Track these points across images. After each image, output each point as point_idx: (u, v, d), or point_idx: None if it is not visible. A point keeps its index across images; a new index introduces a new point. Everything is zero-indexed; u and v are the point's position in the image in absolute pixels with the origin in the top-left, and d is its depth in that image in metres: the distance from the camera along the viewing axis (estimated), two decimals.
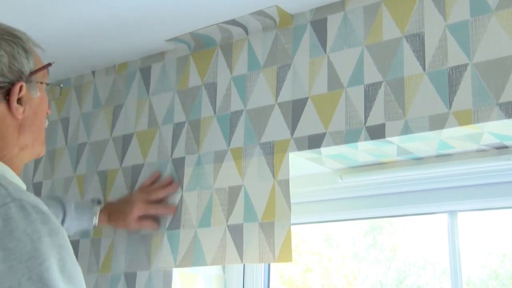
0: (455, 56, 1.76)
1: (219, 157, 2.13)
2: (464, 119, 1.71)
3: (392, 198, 2.10)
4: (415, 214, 2.11)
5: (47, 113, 1.39)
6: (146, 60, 2.44)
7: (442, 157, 1.97)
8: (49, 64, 1.36)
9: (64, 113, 2.63)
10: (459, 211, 1.99)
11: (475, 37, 1.74)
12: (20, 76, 1.28)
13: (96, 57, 2.46)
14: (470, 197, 1.97)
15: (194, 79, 2.28)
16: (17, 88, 1.27)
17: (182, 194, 2.19)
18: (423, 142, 1.86)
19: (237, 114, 2.14)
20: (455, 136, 1.80)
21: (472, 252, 2.00)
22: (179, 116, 2.28)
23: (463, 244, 1.97)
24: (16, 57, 1.29)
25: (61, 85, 1.47)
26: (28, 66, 1.30)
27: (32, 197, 1.10)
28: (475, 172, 1.94)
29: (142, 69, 2.44)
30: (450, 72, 1.76)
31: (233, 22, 2.14)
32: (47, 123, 1.39)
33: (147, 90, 2.40)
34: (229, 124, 2.15)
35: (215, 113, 2.19)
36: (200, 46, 2.29)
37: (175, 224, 2.17)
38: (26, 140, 1.29)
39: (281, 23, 2.11)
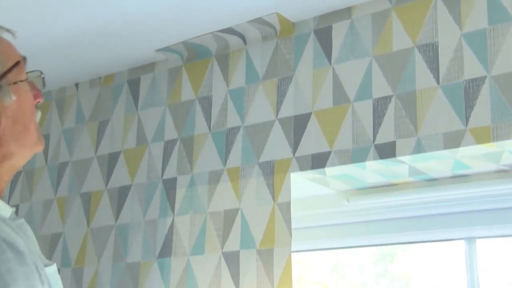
0: (472, 68, 1.77)
1: (214, 178, 2.14)
2: (482, 136, 1.72)
3: (403, 223, 2.10)
4: (430, 240, 2.11)
5: (37, 103, 1.33)
6: (135, 72, 2.45)
7: (458, 178, 1.98)
8: (18, 63, 1.28)
9: (44, 129, 2.64)
10: (478, 237, 1.99)
11: (493, 48, 1.75)
12: None
13: (79, 68, 2.47)
14: (489, 223, 1.97)
15: (187, 93, 2.29)
16: None
17: (173, 218, 2.19)
18: (437, 162, 1.87)
19: (234, 130, 2.15)
20: (472, 155, 1.81)
21: (492, 282, 1.99)
22: (171, 132, 2.29)
23: (482, 274, 1.97)
24: None
25: (42, 75, 1.39)
26: None
27: (5, 230, 1.09)
28: (495, 195, 1.94)
29: (130, 81, 2.45)
30: (467, 85, 1.77)
31: (230, 31, 2.15)
32: (38, 115, 1.34)
33: (136, 104, 2.41)
34: (225, 141, 2.16)
35: (210, 129, 2.20)
36: (194, 56, 2.30)
37: (166, 252, 2.17)
38: (9, 149, 1.26)
39: (282, 32, 2.12)
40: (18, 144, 1.28)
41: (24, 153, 1.30)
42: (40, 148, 1.34)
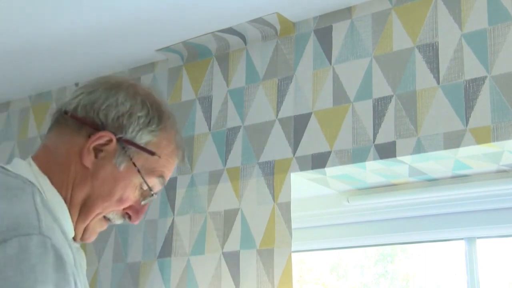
0: (472, 68, 1.77)
1: (214, 178, 2.14)
2: (482, 136, 1.72)
3: (403, 223, 2.10)
4: (430, 241, 2.11)
5: (126, 212, 1.28)
6: (135, 71, 2.45)
7: (458, 178, 1.98)
8: (153, 153, 1.25)
9: (45, 129, 2.63)
10: (478, 237, 2.00)
11: (493, 48, 1.75)
12: (116, 131, 1.23)
13: (80, 68, 2.47)
14: (489, 223, 1.97)
15: (187, 92, 2.29)
16: (104, 135, 1.22)
17: (173, 218, 2.19)
18: (437, 162, 1.87)
19: (234, 130, 2.15)
20: (472, 155, 1.81)
21: (492, 282, 1.99)
22: None
23: (482, 274, 1.97)
24: (132, 115, 1.24)
25: (155, 195, 1.32)
26: (134, 133, 1.24)
27: (60, 241, 1.09)
28: (495, 195, 1.94)
29: None
30: (467, 85, 1.77)
31: (230, 31, 2.15)
32: (115, 219, 1.29)
33: None
34: (225, 141, 2.16)
35: (210, 129, 2.20)
36: (194, 56, 2.30)
37: (166, 252, 2.17)
38: (78, 197, 1.23)
39: (282, 32, 2.12)
40: (85, 199, 1.25)
41: (81, 217, 1.26)
42: (87, 239, 1.30)
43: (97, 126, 1.24)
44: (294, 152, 2.00)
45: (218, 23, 2.11)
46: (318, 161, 1.95)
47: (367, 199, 2.11)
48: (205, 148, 2.19)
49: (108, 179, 1.25)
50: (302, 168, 1.98)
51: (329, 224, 2.23)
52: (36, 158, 1.26)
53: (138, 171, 1.26)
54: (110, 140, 1.24)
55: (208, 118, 2.22)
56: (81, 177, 1.24)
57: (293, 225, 1.98)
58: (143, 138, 1.26)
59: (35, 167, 1.23)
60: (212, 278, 2.04)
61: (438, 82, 1.81)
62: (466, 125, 1.74)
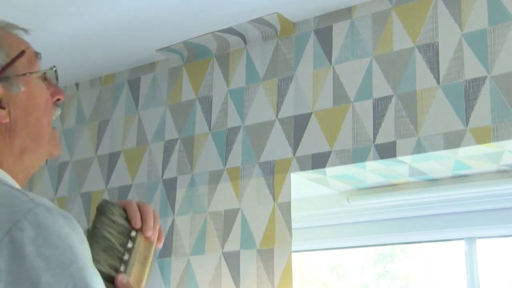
0: (472, 68, 1.77)
1: (214, 178, 2.14)
2: (482, 136, 1.72)
3: (403, 223, 2.10)
4: (430, 240, 2.12)
5: (56, 101, 1.33)
6: (135, 71, 2.45)
7: (459, 178, 1.98)
8: (23, 52, 1.28)
9: None
10: (478, 237, 2.00)
11: (493, 48, 1.75)
12: None
13: (80, 67, 2.47)
14: (489, 223, 1.97)
15: (187, 92, 2.29)
16: None
17: (173, 218, 2.19)
18: (437, 162, 1.87)
19: (234, 130, 2.15)
20: (472, 156, 1.81)
21: (492, 282, 1.99)
22: (171, 132, 2.29)
23: (483, 274, 1.97)
24: None
25: (55, 68, 1.38)
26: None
27: (50, 202, 1.11)
28: (495, 195, 1.95)
29: (131, 81, 2.46)
30: (467, 85, 1.77)
31: (230, 31, 2.15)
32: (56, 113, 1.33)
33: (136, 104, 2.41)
34: (226, 141, 2.16)
35: (210, 129, 2.20)
36: (194, 56, 2.30)
37: (166, 252, 2.17)
38: (22, 144, 1.25)
39: (282, 32, 2.12)
40: (31, 137, 1.26)
41: (38, 150, 1.29)
42: (55, 151, 1.33)
43: None
44: (294, 152, 2.00)
45: (218, 23, 2.11)
46: (318, 161, 1.95)
47: (367, 199, 2.11)
48: (205, 148, 2.19)
49: (26, 106, 1.26)
50: (302, 168, 1.98)
51: (329, 224, 2.23)
52: None
53: (29, 74, 1.28)
54: None
55: (208, 118, 2.21)
56: (11, 132, 1.25)
57: (293, 225, 1.98)
58: (3, 57, 1.26)
59: None
60: (212, 278, 2.04)
61: (438, 82, 1.81)
62: (466, 125, 1.74)
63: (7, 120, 1.23)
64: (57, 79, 1.36)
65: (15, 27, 1.34)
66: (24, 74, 1.27)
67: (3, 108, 1.23)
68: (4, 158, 1.24)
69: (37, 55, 1.33)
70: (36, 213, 1.03)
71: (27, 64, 1.29)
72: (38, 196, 1.10)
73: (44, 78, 1.31)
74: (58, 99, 1.33)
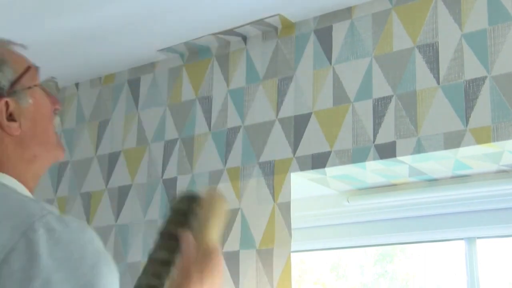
0: (472, 68, 1.77)
1: (214, 178, 2.14)
2: (482, 137, 1.71)
3: (403, 223, 2.10)
4: (430, 241, 2.11)
5: (55, 110, 1.39)
6: (135, 71, 2.45)
7: (459, 179, 1.98)
8: (28, 68, 1.37)
9: None
10: (478, 237, 1.99)
11: (493, 48, 1.75)
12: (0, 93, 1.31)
13: (80, 67, 2.47)
14: (489, 223, 1.97)
15: (187, 92, 2.29)
16: (0, 106, 1.29)
17: None
18: (437, 162, 1.87)
19: (234, 130, 2.15)
20: (472, 156, 1.81)
21: (492, 282, 1.99)
22: (171, 132, 2.29)
23: (483, 274, 1.97)
24: None
25: (55, 78, 1.47)
26: (5, 78, 1.32)
27: (57, 211, 1.18)
28: (495, 195, 1.94)
29: (131, 81, 2.45)
30: (467, 85, 1.77)
31: (231, 33, 2.15)
32: (57, 120, 1.40)
33: (136, 104, 2.41)
34: (226, 141, 2.15)
35: (210, 129, 2.20)
36: (194, 56, 2.30)
37: None
38: (33, 152, 1.33)
39: (283, 32, 2.12)
40: (40, 146, 1.34)
41: (46, 156, 1.36)
42: (60, 154, 1.40)
43: None
44: (294, 152, 2.00)
45: (218, 23, 2.11)
46: (318, 161, 1.95)
47: (367, 199, 2.11)
48: (205, 148, 2.19)
49: (34, 117, 1.34)
50: (302, 168, 1.97)
51: (329, 224, 2.23)
52: None
53: (34, 86, 1.36)
54: (6, 102, 1.30)
55: (208, 118, 2.21)
56: (22, 142, 1.32)
57: (293, 225, 1.98)
58: (11, 73, 1.34)
59: None
60: None
61: (438, 82, 1.81)
62: (466, 125, 1.74)
63: (19, 132, 1.31)
64: (58, 90, 1.45)
65: (14, 43, 1.43)
66: (30, 87, 1.35)
67: (14, 121, 1.31)
68: (16, 168, 1.31)
69: (37, 68, 1.42)
70: (48, 219, 1.10)
71: (30, 78, 1.37)
72: (48, 204, 1.18)
73: (43, 89, 1.40)
74: (56, 108, 1.41)
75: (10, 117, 1.31)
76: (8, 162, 1.30)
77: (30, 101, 1.34)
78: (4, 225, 1.09)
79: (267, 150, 2.06)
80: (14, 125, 1.30)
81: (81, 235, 1.12)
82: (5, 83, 1.32)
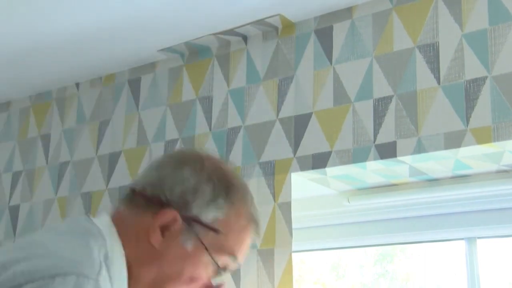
0: (473, 68, 1.77)
1: None
2: (483, 137, 1.71)
3: (404, 223, 2.10)
4: (430, 241, 2.11)
5: (201, 285, 1.21)
6: (136, 71, 2.45)
7: (459, 179, 1.98)
8: (218, 231, 1.18)
9: (45, 129, 2.64)
10: (478, 237, 1.99)
11: (494, 48, 1.75)
12: (181, 208, 1.18)
13: (80, 67, 2.47)
14: (489, 223, 1.97)
15: (187, 92, 2.29)
16: (170, 213, 1.18)
17: None
18: (437, 162, 1.87)
19: (234, 130, 2.15)
20: (472, 156, 1.81)
21: (492, 282, 1.99)
22: (171, 132, 2.29)
23: (483, 274, 1.97)
24: (198, 190, 1.19)
25: (222, 271, 1.26)
26: (199, 209, 1.19)
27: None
28: (495, 195, 1.94)
29: (131, 81, 2.45)
30: (467, 85, 1.77)
31: (231, 33, 2.15)
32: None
33: (136, 104, 2.41)
34: (226, 141, 2.15)
35: (210, 129, 2.20)
36: (195, 56, 2.30)
37: None
38: (153, 274, 1.18)
39: (283, 32, 2.12)
40: (159, 279, 1.21)
41: None
42: None
43: (163, 204, 1.20)
44: (295, 152, 2.00)
45: (219, 23, 2.11)
46: (319, 161, 1.95)
47: (367, 199, 2.11)
48: (205, 148, 2.19)
49: (176, 259, 1.20)
50: (303, 168, 1.97)
51: (329, 224, 2.23)
52: (115, 221, 1.23)
53: (206, 249, 1.20)
54: (175, 218, 1.19)
55: (208, 118, 2.21)
56: (148, 256, 1.20)
57: (294, 225, 1.98)
58: (209, 215, 1.21)
59: (114, 230, 1.21)
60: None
61: (439, 82, 1.81)
62: (467, 125, 1.74)
63: (157, 244, 1.19)
64: (222, 274, 1.26)
65: (257, 232, 1.29)
66: (202, 244, 1.20)
67: (163, 235, 1.19)
68: (130, 257, 1.19)
69: (235, 261, 1.25)
70: (88, 282, 1.03)
71: (216, 246, 1.21)
72: (106, 280, 1.08)
73: (216, 271, 1.24)
74: (204, 285, 1.24)
75: (163, 230, 1.19)
76: (130, 246, 1.19)
77: (189, 248, 1.19)
78: (49, 261, 1.03)
79: (267, 150, 2.06)
80: (158, 236, 1.19)
81: None
82: (194, 211, 1.20)
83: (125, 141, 2.40)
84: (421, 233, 2.09)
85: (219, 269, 1.23)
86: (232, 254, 1.23)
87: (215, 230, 1.20)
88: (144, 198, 1.23)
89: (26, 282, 1.00)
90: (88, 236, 1.14)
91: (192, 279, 1.21)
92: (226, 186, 1.24)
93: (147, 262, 1.20)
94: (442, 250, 2.15)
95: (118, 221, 1.23)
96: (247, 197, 1.28)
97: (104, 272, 1.10)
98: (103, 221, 1.22)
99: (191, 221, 1.20)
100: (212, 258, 1.21)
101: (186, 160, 1.26)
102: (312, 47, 2.06)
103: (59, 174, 2.53)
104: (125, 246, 1.19)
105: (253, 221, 1.27)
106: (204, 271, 1.22)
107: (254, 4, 1.99)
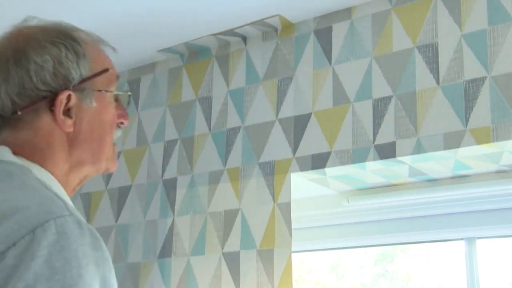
0: (472, 68, 1.77)
1: (214, 178, 2.14)
2: (482, 137, 1.71)
3: (403, 224, 2.10)
4: (430, 241, 2.11)
5: (119, 124, 1.33)
6: (135, 72, 2.45)
7: (458, 179, 1.98)
8: (106, 70, 1.30)
9: None
10: (478, 238, 1.99)
11: (493, 48, 1.75)
12: (66, 84, 1.23)
13: None
14: (489, 223, 1.97)
15: (187, 93, 2.29)
16: (62, 97, 1.23)
17: (173, 219, 2.19)
18: (437, 162, 1.87)
19: (234, 131, 2.15)
20: (472, 156, 1.81)
21: (492, 282, 1.99)
22: (171, 133, 2.29)
23: (482, 274, 1.97)
24: (62, 62, 1.24)
25: (130, 93, 1.40)
26: (77, 72, 1.25)
27: (83, 219, 1.11)
28: (495, 195, 1.94)
29: (131, 81, 2.45)
30: (466, 85, 1.77)
31: (231, 33, 2.15)
32: (118, 134, 1.33)
33: (136, 104, 2.41)
34: (225, 142, 2.16)
35: (210, 129, 2.20)
36: (194, 56, 2.30)
37: (166, 252, 2.17)
38: (81, 157, 1.26)
39: (282, 32, 2.12)
40: (90, 153, 1.28)
41: (93, 165, 1.30)
42: (111, 167, 1.33)
43: (48, 97, 1.24)
44: (294, 152, 2.00)
45: (219, 24, 2.11)
46: (318, 162, 1.95)
47: (367, 199, 2.11)
48: (205, 149, 2.19)
49: (94, 120, 1.27)
50: (302, 168, 1.97)
51: (329, 225, 2.23)
52: (15, 150, 1.24)
53: (105, 91, 1.29)
54: (68, 95, 1.24)
55: (208, 118, 2.21)
56: (72, 145, 1.26)
57: (293, 226, 1.98)
58: (86, 69, 1.27)
59: (26, 161, 1.22)
60: (212, 279, 2.04)
61: (438, 83, 1.81)
62: (466, 125, 1.74)
63: (71, 130, 1.24)
64: (128, 103, 1.38)
65: (105, 43, 1.38)
66: (100, 91, 1.28)
67: (70, 117, 1.24)
68: (57, 165, 1.24)
69: (117, 77, 1.36)
70: (66, 221, 1.04)
71: (106, 82, 1.30)
72: (75, 209, 1.11)
73: (116, 99, 1.33)
74: (121, 122, 1.34)
75: (67, 112, 1.24)
76: (51, 157, 1.23)
77: (95, 104, 1.26)
78: (18, 217, 1.03)
79: (267, 150, 2.06)
80: (68, 121, 1.23)
81: (89, 253, 1.04)
82: (76, 77, 1.25)
83: (124, 141, 2.40)
84: (421, 233, 2.09)
85: (117, 94, 1.33)
86: (115, 76, 1.34)
87: (99, 74, 1.29)
88: (25, 110, 1.24)
89: (7, 248, 0.99)
90: (24, 178, 1.15)
91: (113, 123, 1.31)
92: (71, 38, 1.31)
93: (77, 148, 1.26)
94: (442, 250, 2.15)
95: (17, 148, 1.24)
96: (83, 32, 1.36)
97: (68, 202, 1.12)
98: (10, 157, 1.22)
99: (79, 86, 1.26)
100: (111, 92, 1.31)
101: (21, 50, 1.28)
102: (311, 47, 2.06)
103: None
104: (45, 165, 1.22)
105: (98, 41, 1.38)
106: (112, 107, 1.31)
107: (253, 4, 1.99)
